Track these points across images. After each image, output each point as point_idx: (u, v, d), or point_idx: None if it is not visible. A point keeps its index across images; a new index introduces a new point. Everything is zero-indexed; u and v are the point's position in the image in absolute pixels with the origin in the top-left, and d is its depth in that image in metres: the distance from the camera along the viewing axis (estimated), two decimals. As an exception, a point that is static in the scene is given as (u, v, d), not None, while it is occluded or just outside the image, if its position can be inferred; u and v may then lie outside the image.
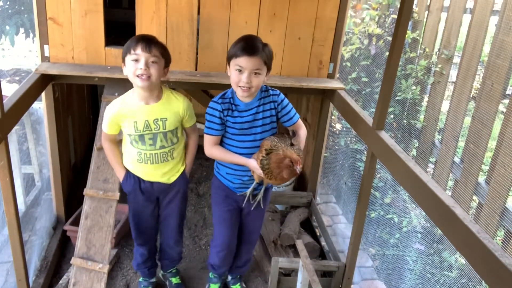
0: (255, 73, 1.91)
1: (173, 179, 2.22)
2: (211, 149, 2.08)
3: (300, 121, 2.13)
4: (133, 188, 2.20)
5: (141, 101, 2.05)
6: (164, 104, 2.08)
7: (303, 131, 2.12)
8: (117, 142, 2.21)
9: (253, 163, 1.99)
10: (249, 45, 1.91)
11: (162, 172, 2.17)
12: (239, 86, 1.93)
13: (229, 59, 1.96)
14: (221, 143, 2.11)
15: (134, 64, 1.94)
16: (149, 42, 1.94)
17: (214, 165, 2.24)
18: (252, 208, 2.22)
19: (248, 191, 2.18)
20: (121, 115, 2.05)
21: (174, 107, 2.09)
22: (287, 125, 2.13)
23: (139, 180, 2.19)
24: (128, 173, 2.19)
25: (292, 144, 1.96)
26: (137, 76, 1.95)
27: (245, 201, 2.20)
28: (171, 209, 2.32)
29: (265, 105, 2.06)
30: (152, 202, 2.29)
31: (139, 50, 1.93)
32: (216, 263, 2.42)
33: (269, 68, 1.99)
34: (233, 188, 2.20)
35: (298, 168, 1.85)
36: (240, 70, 1.91)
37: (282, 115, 2.09)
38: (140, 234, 2.37)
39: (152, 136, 2.06)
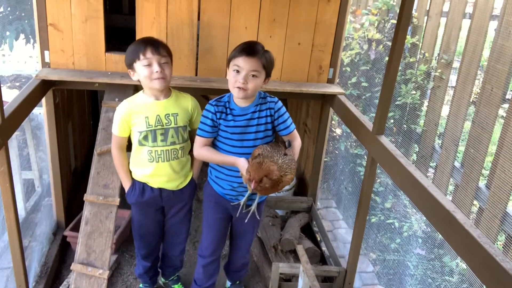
0: (253, 75, 1.89)
1: (181, 186, 2.21)
2: (200, 150, 2.04)
3: (295, 132, 2.09)
4: (137, 200, 2.18)
5: (151, 97, 2.06)
6: (174, 100, 2.10)
7: (297, 142, 2.09)
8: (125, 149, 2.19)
9: (241, 163, 1.92)
10: (249, 47, 1.92)
11: (173, 173, 2.14)
12: (236, 87, 1.91)
13: (228, 62, 1.96)
14: (214, 146, 2.07)
15: (148, 68, 1.96)
16: (156, 44, 1.96)
17: (208, 169, 2.21)
18: (246, 220, 2.13)
19: (242, 201, 2.10)
20: (132, 112, 2.04)
21: (183, 103, 2.11)
22: (282, 134, 2.09)
23: (146, 189, 2.16)
24: (133, 184, 2.17)
25: (285, 154, 1.90)
26: (154, 79, 1.97)
27: (238, 212, 2.12)
28: (178, 218, 2.31)
29: (261, 112, 2.02)
30: (157, 212, 2.27)
31: (149, 54, 1.94)
32: (200, 275, 2.36)
33: (268, 74, 1.97)
34: (223, 194, 2.14)
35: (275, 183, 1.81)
36: (237, 71, 1.89)
37: (278, 123, 2.04)
38: (146, 247, 2.35)
39: (164, 131, 2.06)
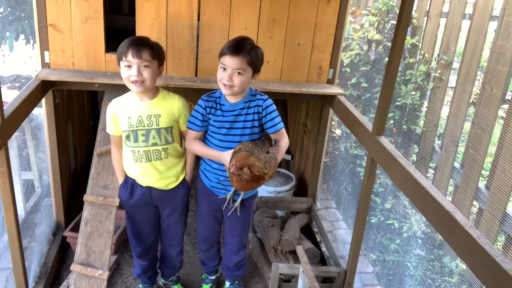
0: (238, 73, 1.96)
1: (171, 186, 2.21)
2: (191, 143, 2.14)
3: (283, 131, 2.12)
4: (127, 198, 2.20)
5: (137, 98, 2.08)
6: (159, 101, 2.10)
7: (284, 141, 2.13)
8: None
9: (226, 157, 2.00)
10: (236, 45, 1.98)
11: (158, 172, 2.14)
12: (222, 83, 1.99)
13: (219, 57, 2.04)
14: (204, 140, 2.16)
15: (127, 70, 1.97)
16: (139, 47, 1.95)
17: (200, 161, 2.29)
18: (228, 214, 2.25)
19: (229, 195, 2.18)
20: (117, 112, 2.09)
21: (169, 105, 2.11)
22: (269, 132, 2.12)
23: (135, 186, 2.18)
24: (126, 180, 2.20)
25: (268, 152, 1.96)
26: (131, 82, 1.98)
27: (225, 205, 2.22)
28: (173, 220, 2.32)
29: (250, 109, 2.07)
30: (150, 210, 2.28)
31: (130, 57, 1.94)
32: (202, 258, 2.54)
33: (255, 70, 2.02)
34: (210, 187, 2.22)
35: (236, 171, 1.86)
36: (224, 69, 1.98)
37: (266, 120, 2.08)
38: (139, 245, 2.35)
39: (145, 132, 2.07)
